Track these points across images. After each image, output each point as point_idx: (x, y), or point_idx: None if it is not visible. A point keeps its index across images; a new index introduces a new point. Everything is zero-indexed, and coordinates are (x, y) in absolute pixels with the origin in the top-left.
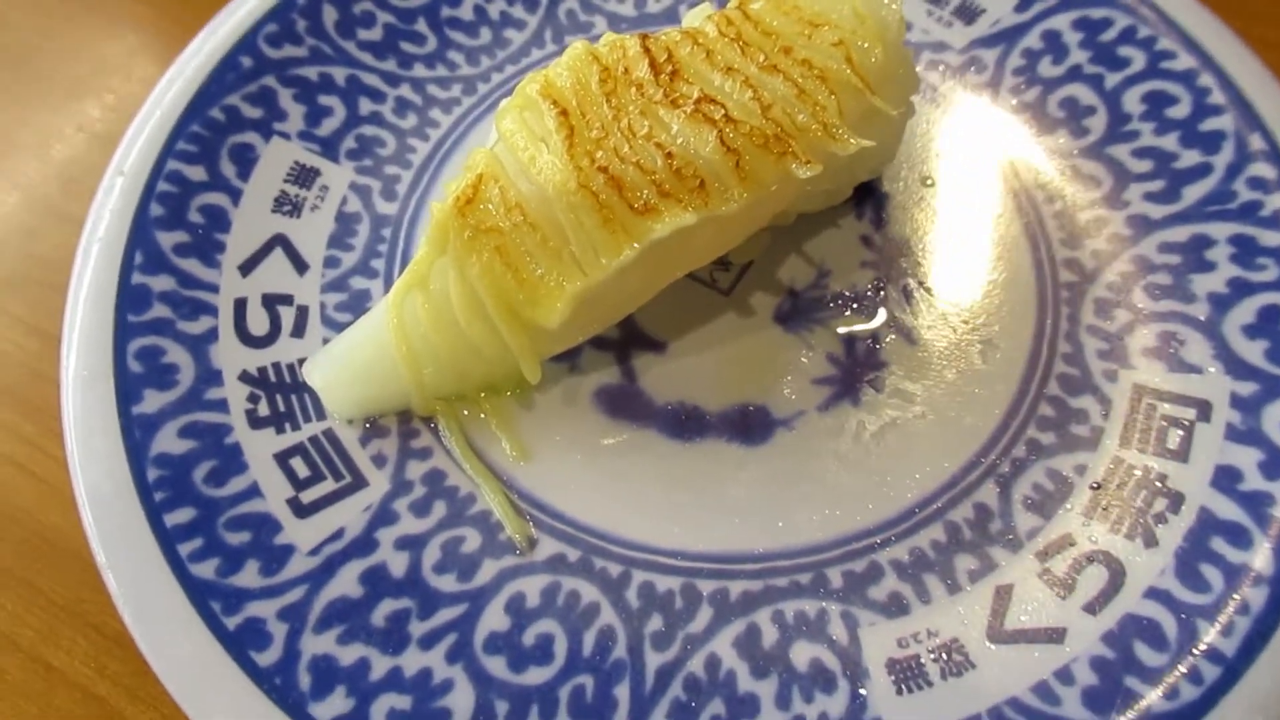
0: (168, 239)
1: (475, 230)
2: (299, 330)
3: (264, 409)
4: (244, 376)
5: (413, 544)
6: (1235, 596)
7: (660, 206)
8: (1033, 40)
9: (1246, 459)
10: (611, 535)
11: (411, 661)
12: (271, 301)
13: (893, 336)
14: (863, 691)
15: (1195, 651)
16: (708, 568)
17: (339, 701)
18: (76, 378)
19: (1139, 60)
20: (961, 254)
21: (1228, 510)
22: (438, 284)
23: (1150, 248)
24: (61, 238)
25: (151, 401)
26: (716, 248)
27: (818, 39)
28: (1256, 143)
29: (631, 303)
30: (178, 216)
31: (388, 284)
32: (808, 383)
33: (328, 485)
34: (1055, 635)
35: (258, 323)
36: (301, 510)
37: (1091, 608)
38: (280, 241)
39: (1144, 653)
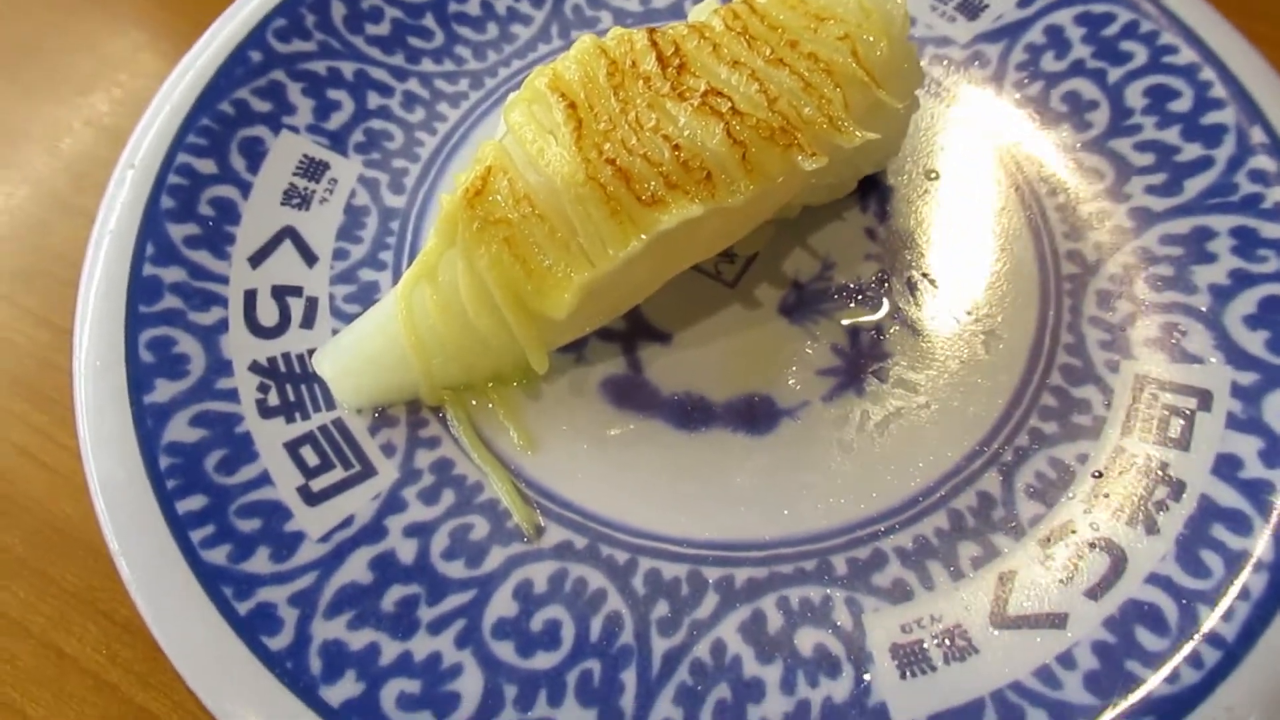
0: (178, 231)
1: (484, 221)
2: (308, 321)
3: (274, 398)
4: (254, 367)
5: (421, 531)
6: (1235, 582)
7: (667, 198)
8: (1035, 35)
9: (1247, 447)
10: (618, 523)
11: (421, 646)
12: (281, 293)
13: (896, 328)
14: (867, 676)
15: (1196, 636)
16: (714, 555)
17: (349, 685)
18: (89, 367)
19: (1141, 55)
20: (965, 246)
21: (1228, 498)
22: (446, 275)
23: (1152, 240)
24: (71, 231)
25: (163, 391)
26: (722, 239)
27: (823, 33)
28: (1257, 136)
29: (638, 294)
30: (188, 209)
31: (396, 276)
32: (812, 373)
33: (337, 473)
34: (1057, 620)
35: (267, 314)
36: (311, 498)
37: (1093, 593)
38: (289, 234)
39: (1145, 637)
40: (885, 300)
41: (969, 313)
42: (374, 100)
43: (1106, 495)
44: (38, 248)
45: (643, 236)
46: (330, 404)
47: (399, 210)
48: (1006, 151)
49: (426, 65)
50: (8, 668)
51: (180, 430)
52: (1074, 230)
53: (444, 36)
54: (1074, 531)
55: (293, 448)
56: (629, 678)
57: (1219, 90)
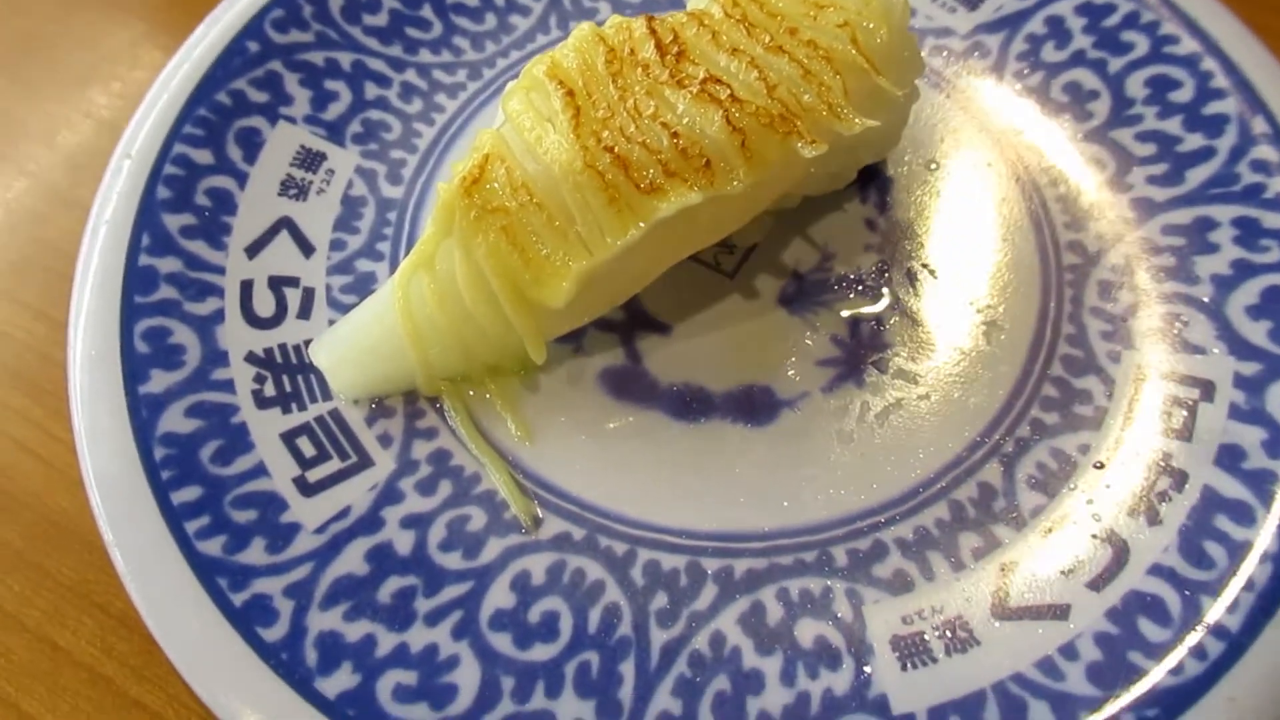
0: (174, 221)
1: (481, 210)
2: (305, 312)
3: (270, 389)
4: (250, 357)
5: (418, 522)
6: (1239, 573)
7: (666, 186)
8: (1036, 25)
9: (1250, 438)
10: (617, 514)
11: (417, 638)
12: (278, 283)
13: (897, 318)
14: (867, 668)
15: (1199, 627)
16: (713, 546)
17: (345, 677)
18: (84, 358)
19: (1142, 45)
20: (965, 237)
21: (1231, 488)
22: (444, 264)
23: (1154, 230)
24: (69, 224)
25: (158, 381)
26: (722, 228)
27: (823, 20)
28: (1259, 126)
29: (636, 283)
30: (185, 199)
31: (393, 266)
32: (812, 364)
33: (333, 464)
34: (1059, 612)
35: (264, 304)
36: (308, 489)
37: (1095, 584)
38: (286, 224)
39: (1148, 628)
40: (885, 291)
41: (970, 303)
42: (371, 91)
43: (1108, 486)
44: (35, 241)
45: (641, 224)
46: (327, 395)
47: (396, 201)
48: (1007, 142)
49: (424, 56)
50: (2, 662)
51: (176, 421)
52: (1075, 221)
53: (442, 27)
54: (1076, 522)
55: (289, 439)
56: (627, 669)
57: (1220, 80)
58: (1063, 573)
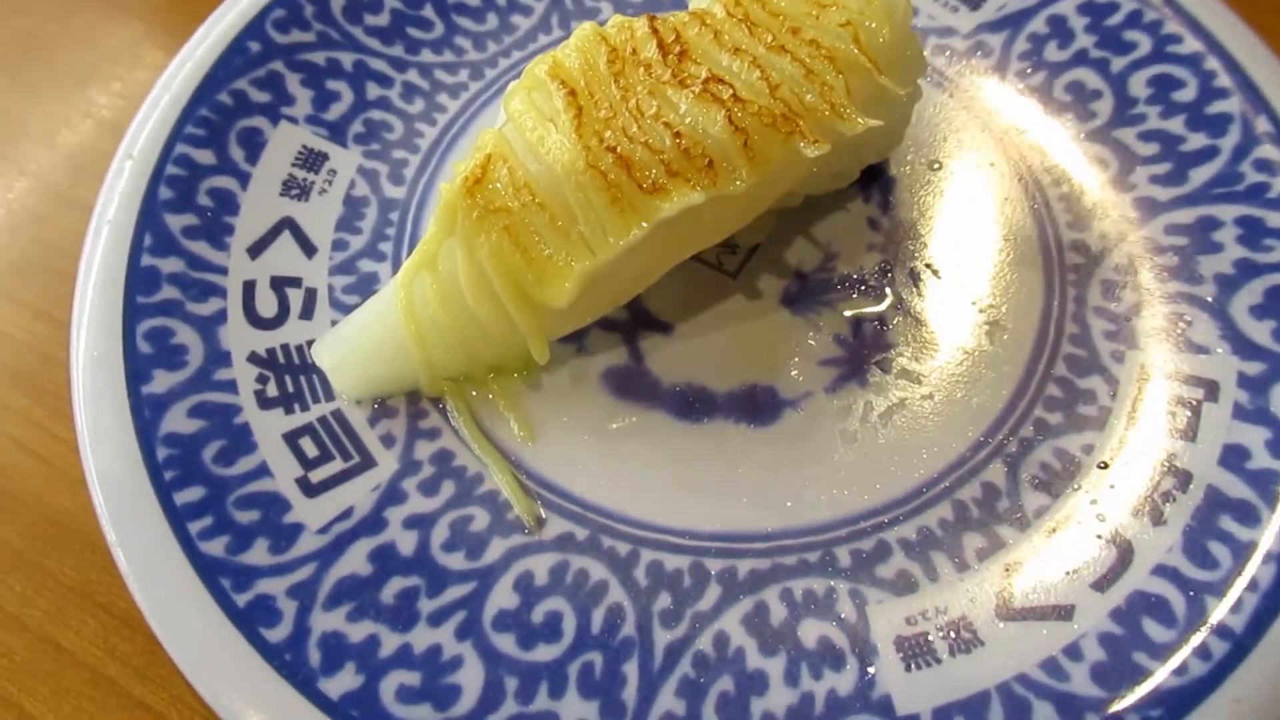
0: (177, 221)
1: (484, 210)
2: (307, 312)
3: (273, 389)
4: (253, 358)
5: (421, 523)
6: (1243, 573)
7: (669, 186)
8: (1039, 25)
9: (1254, 438)
10: (620, 514)
11: (421, 638)
12: (280, 284)
13: (900, 318)
14: (871, 669)
15: (1204, 628)
16: (716, 546)
17: (349, 678)
18: (86, 358)
19: (1145, 44)
20: (968, 236)
21: (1236, 489)
22: (446, 264)
23: (1157, 230)
24: (70, 224)
25: (161, 382)
26: (724, 228)
27: (825, 19)
28: (1263, 125)
29: (639, 283)
30: (187, 199)
31: (395, 267)
32: (815, 364)
33: (336, 465)
34: (1064, 612)
35: (266, 305)
36: (310, 489)
37: (1100, 585)
38: (288, 224)
39: (1153, 629)
40: (888, 290)
41: (973, 303)
42: (373, 91)
43: (1112, 486)
44: (35, 241)
45: (644, 224)
46: (329, 395)
47: (398, 201)
48: (1010, 141)
49: (426, 56)
50: (4, 662)
51: (178, 421)
52: (1078, 220)
53: (443, 27)
54: (1080, 523)
55: (292, 439)
56: (631, 670)
57: (1223, 80)
58: (1067, 573)
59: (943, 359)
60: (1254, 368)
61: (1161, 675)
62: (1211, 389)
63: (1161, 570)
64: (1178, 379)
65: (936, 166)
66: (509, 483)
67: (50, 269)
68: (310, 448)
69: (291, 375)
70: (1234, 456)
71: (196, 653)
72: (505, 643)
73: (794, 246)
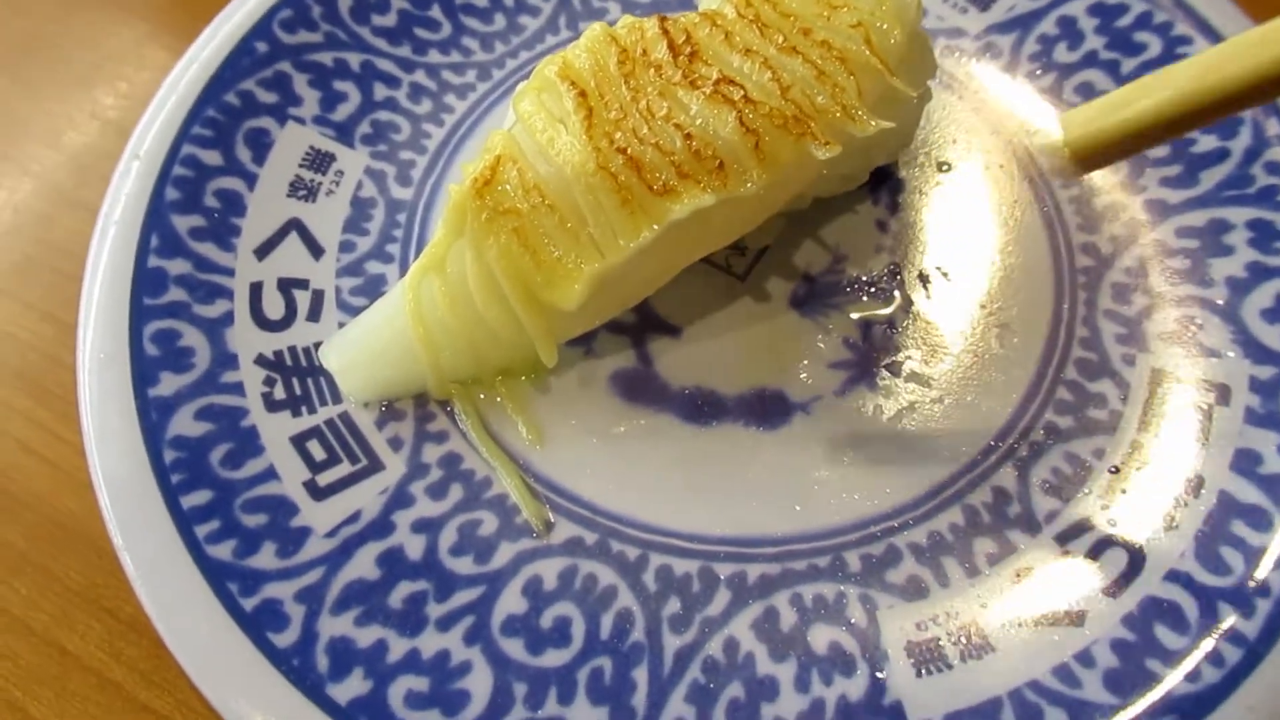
0: (183, 223)
1: (493, 212)
2: (314, 314)
3: (280, 392)
4: (260, 360)
5: (429, 527)
6: (1256, 579)
7: (679, 188)
8: (1048, 26)
9: (1266, 442)
10: (628, 518)
11: (429, 643)
12: (287, 285)
13: (909, 321)
14: (882, 674)
15: (1217, 634)
16: (725, 551)
17: (357, 683)
18: (93, 360)
19: (1155, 46)
20: (978, 239)
21: (1248, 494)
22: (455, 266)
23: (1168, 232)
24: (75, 224)
25: (168, 384)
26: (734, 230)
27: (836, 20)
28: (1274, 128)
29: (649, 286)
30: (193, 200)
31: (403, 269)
32: (824, 367)
33: (344, 468)
34: (1075, 618)
35: (273, 306)
36: (318, 493)
37: (1111, 591)
38: (295, 226)
39: (1165, 635)
40: (897, 293)
41: (982, 306)
42: (381, 92)
43: (1124, 491)
44: (40, 241)
45: (655, 226)
46: (337, 398)
47: (406, 202)
48: (1019, 143)
49: (433, 57)
50: (10, 666)
51: (185, 424)
52: (1088, 223)
53: (451, 28)
54: (1091, 528)
55: (299, 442)
56: (640, 676)
57: None
58: (1078, 578)
59: (953, 362)
60: (1266, 371)
61: (1174, 682)
62: (1223, 393)
63: (1174, 576)
64: (1189, 383)
65: (945, 168)
66: (517, 486)
67: (56, 270)
68: (318, 451)
69: (299, 377)
70: (1246, 461)
71: (203, 657)
72: (514, 648)
73: (803, 249)
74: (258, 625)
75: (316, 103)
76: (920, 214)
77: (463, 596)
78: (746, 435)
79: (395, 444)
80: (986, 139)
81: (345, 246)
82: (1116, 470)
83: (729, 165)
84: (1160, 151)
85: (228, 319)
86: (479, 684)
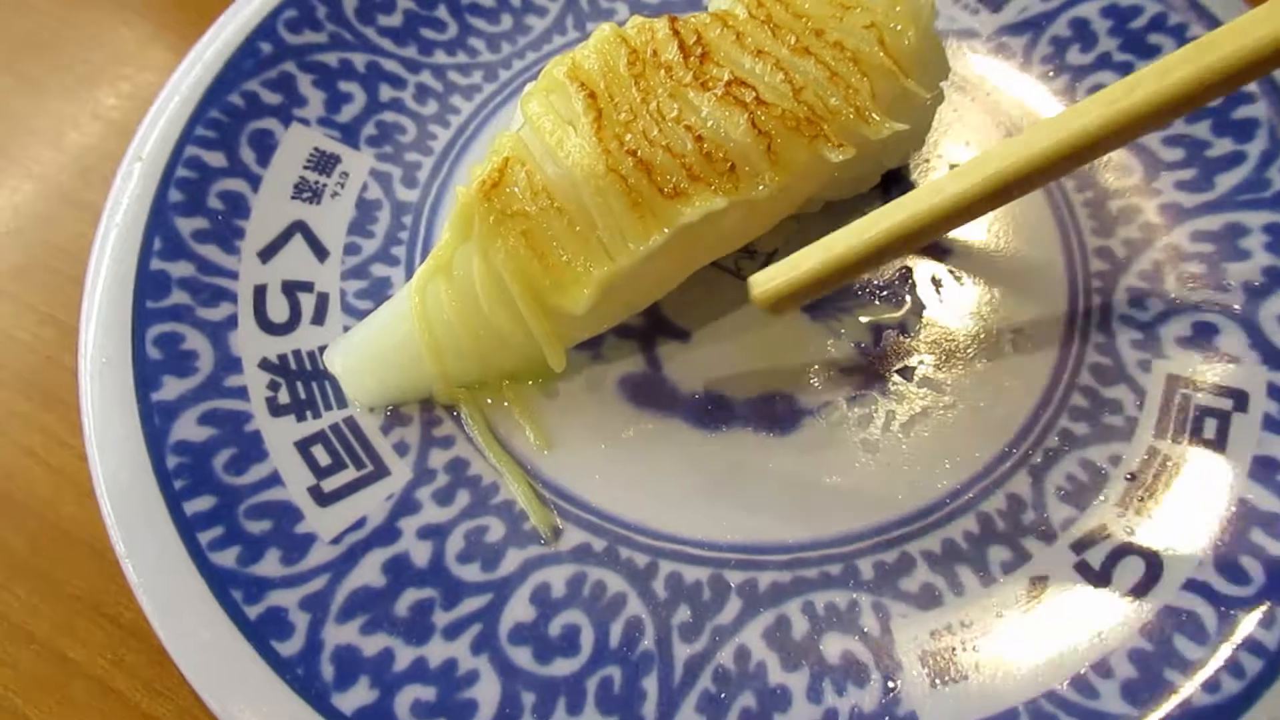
0: (187, 225)
1: (500, 214)
2: (319, 317)
3: (284, 396)
4: (264, 364)
5: (436, 533)
6: (1276, 588)
7: (690, 190)
8: (1060, 28)
9: None
10: (638, 525)
11: (436, 652)
12: (291, 288)
13: (921, 325)
14: (896, 685)
15: (1236, 644)
16: (736, 558)
17: (363, 692)
18: (95, 364)
19: (1169, 48)
20: (990, 242)
21: (1267, 501)
22: (462, 269)
23: (1183, 236)
24: (77, 226)
25: (171, 388)
26: (745, 233)
27: (850, 21)
28: None
29: (658, 290)
30: (197, 202)
31: (409, 271)
32: (835, 372)
33: (349, 474)
34: (1092, 628)
35: (278, 310)
36: (323, 498)
37: (1129, 600)
38: (300, 228)
39: (1183, 645)
40: (909, 297)
41: (995, 310)
42: (386, 93)
43: (1141, 498)
44: (43, 243)
45: (664, 230)
46: (342, 402)
47: (412, 204)
48: None
49: (440, 57)
50: (10, 673)
51: (188, 429)
52: (1103, 226)
53: (457, 28)
54: (1107, 535)
55: (303, 447)
56: (650, 685)
57: (1250, 85)
58: (1094, 587)
59: (965, 367)
60: None
61: (1193, 692)
62: (1241, 399)
63: (1192, 585)
64: (1206, 389)
65: None
66: (525, 492)
67: (57, 272)
68: (322, 456)
69: (303, 382)
70: (1265, 468)
71: (206, 666)
72: (522, 656)
73: None
74: (262, 633)
75: (321, 104)
76: None
77: (470, 604)
78: (757, 441)
79: (401, 449)
80: (998, 141)
81: (350, 249)
82: (1133, 477)
83: (740, 168)
84: (1175, 155)
85: (231, 322)
86: (486, 693)
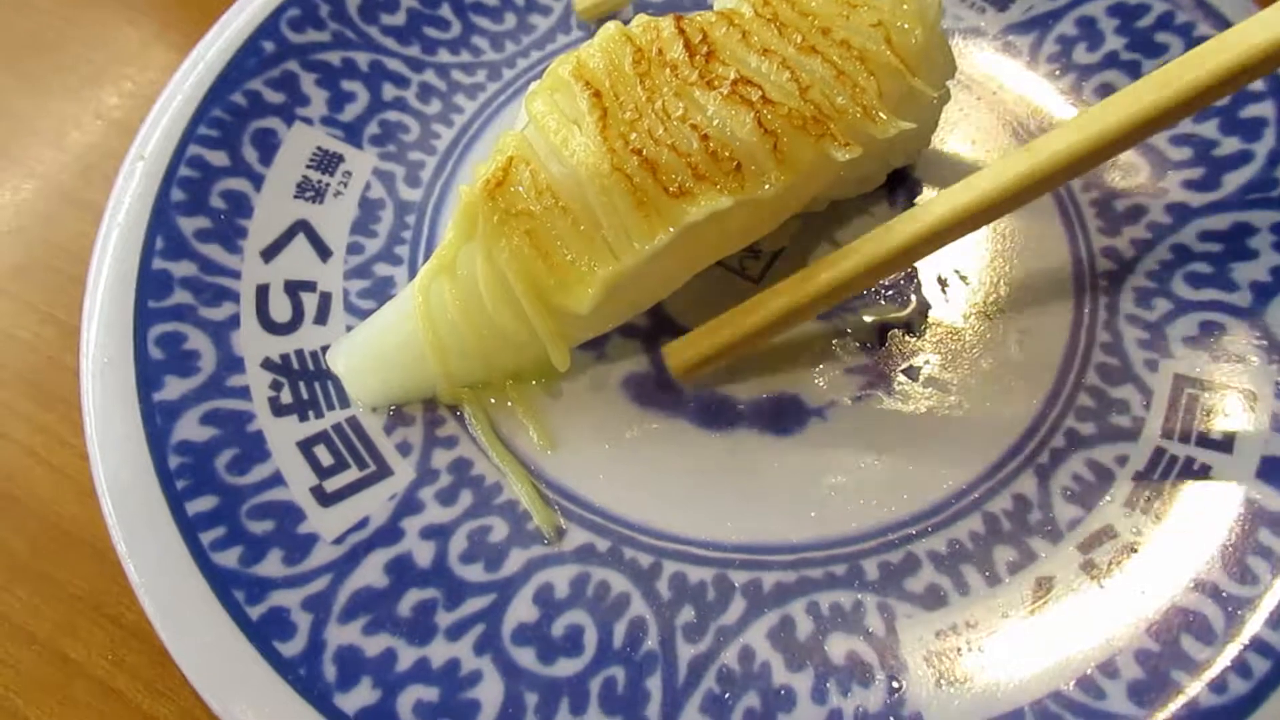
0: (189, 224)
1: (505, 214)
2: (322, 317)
3: (286, 396)
4: (266, 363)
5: (439, 533)
6: None
7: (695, 189)
8: (1067, 26)
9: None
10: (641, 525)
11: (439, 652)
12: (294, 288)
13: (927, 325)
14: (900, 685)
15: (1243, 644)
16: (740, 558)
17: (365, 693)
18: (96, 364)
19: (1176, 46)
20: (996, 242)
21: (1275, 502)
22: (465, 269)
23: (1190, 236)
24: (79, 225)
25: (172, 388)
26: (751, 232)
27: (856, 20)
28: None
29: (663, 289)
30: (199, 202)
31: (412, 271)
32: (841, 372)
33: (352, 474)
34: (1098, 628)
35: (280, 309)
36: (325, 499)
37: (1135, 600)
38: (303, 227)
39: (1190, 645)
40: (915, 297)
41: (1001, 310)
42: (389, 92)
43: (1148, 499)
44: (44, 242)
45: (670, 229)
46: (344, 402)
47: (415, 204)
48: None
49: (443, 56)
50: (11, 673)
51: (190, 429)
52: (1109, 226)
53: (461, 27)
54: (1114, 536)
55: (306, 447)
56: (654, 685)
57: (1257, 83)
58: (1102, 587)
59: (971, 367)
60: None
61: (1200, 693)
62: (1248, 399)
63: (1199, 585)
64: (1213, 389)
65: (963, 171)
66: (528, 492)
67: (59, 271)
68: (325, 456)
69: (306, 381)
70: (1272, 469)
71: (208, 666)
72: (525, 657)
73: (818, 251)
74: (264, 633)
75: (324, 103)
76: None
77: (473, 604)
78: (761, 441)
79: (404, 449)
80: (1004, 140)
81: (353, 248)
82: (1140, 477)
83: (746, 167)
84: (1182, 154)
85: (234, 322)
86: (489, 694)
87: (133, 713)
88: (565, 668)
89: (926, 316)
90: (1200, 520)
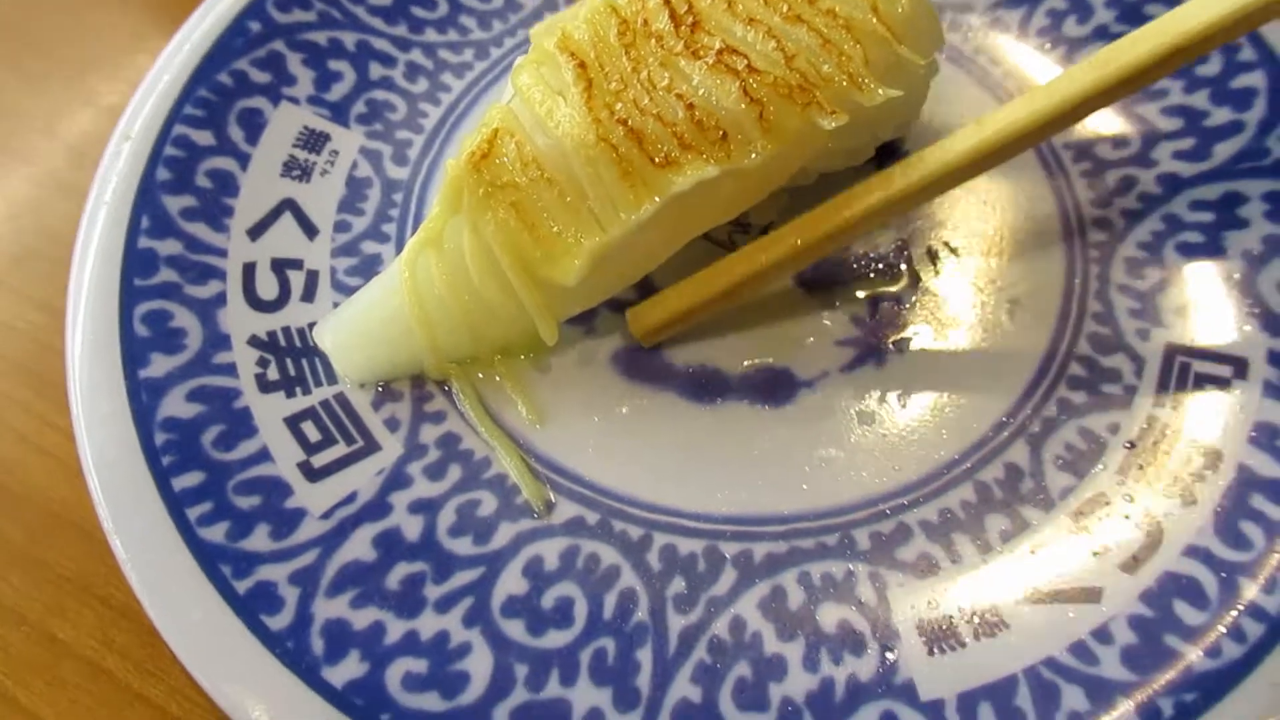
0: (175, 203)
1: (490, 186)
2: (309, 295)
3: (274, 373)
4: (253, 341)
5: (427, 507)
6: (1277, 553)
7: (681, 159)
8: (1056, 0)
9: None
10: (631, 498)
11: (427, 625)
12: (281, 266)
13: (917, 297)
14: (893, 653)
15: (1237, 609)
16: (731, 530)
17: (353, 665)
18: (83, 342)
19: None
20: (987, 214)
21: (1267, 467)
22: (452, 242)
23: (1181, 206)
24: (68, 211)
25: (159, 365)
26: (738, 203)
27: None
28: None
29: (650, 261)
30: (185, 181)
31: (399, 249)
32: (831, 344)
33: (339, 449)
34: (1092, 595)
35: (267, 287)
36: (313, 474)
37: (1129, 566)
38: (289, 206)
39: (1184, 611)
40: (905, 270)
41: (992, 281)
42: (376, 71)
43: (1140, 466)
44: (38, 230)
45: (656, 199)
46: (332, 378)
47: (402, 182)
48: None
49: (430, 35)
50: (0, 655)
51: (177, 405)
52: (1100, 197)
53: (448, 6)
54: (1107, 503)
55: (293, 423)
56: (645, 656)
57: (1247, 53)
58: (1094, 554)
59: (962, 338)
60: None
61: (1195, 658)
62: (1240, 366)
63: (1192, 551)
64: (1205, 357)
65: None
66: (517, 466)
67: (53, 259)
68: (312, 432)
69: (293, 358)
70: (1265, 434)
71: (196, 642)
72: (515, 629)
73: None
74: (251, 608)
75: (311, 82)
76: None
77: (462, 577)
78: (752, 413)
79: (392, 424)
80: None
81: (340, 226)
82: (1132, 445)
83: (732, 136)
84: (1173, 124)
85: (220, 300)
86: (479, 665)
87: (122, 692)
88: (555, 639)
89: (917, 289)
90: (1193, 487)
